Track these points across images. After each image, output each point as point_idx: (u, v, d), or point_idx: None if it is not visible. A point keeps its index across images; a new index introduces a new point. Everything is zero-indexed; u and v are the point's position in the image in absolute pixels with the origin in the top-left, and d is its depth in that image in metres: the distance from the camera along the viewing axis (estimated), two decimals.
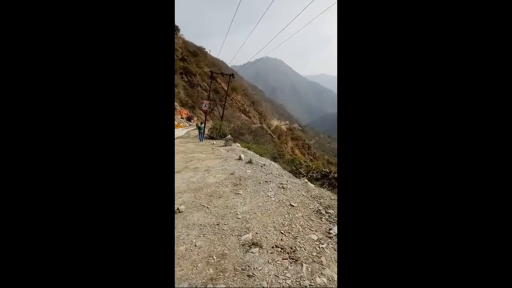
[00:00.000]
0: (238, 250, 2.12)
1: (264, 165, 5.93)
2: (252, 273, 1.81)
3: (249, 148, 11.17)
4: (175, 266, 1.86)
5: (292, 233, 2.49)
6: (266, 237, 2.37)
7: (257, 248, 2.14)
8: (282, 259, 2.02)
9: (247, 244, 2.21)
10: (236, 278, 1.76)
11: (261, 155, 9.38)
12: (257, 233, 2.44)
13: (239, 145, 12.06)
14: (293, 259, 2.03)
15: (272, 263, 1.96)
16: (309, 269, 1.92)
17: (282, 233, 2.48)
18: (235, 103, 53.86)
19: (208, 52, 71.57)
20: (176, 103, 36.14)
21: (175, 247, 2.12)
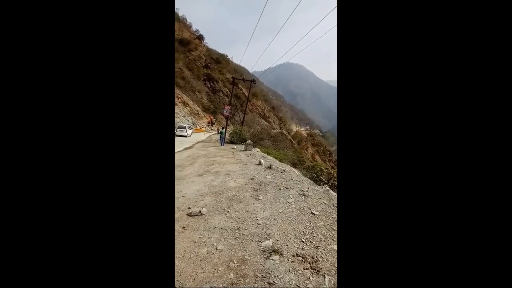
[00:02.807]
0: (258, 256, 2.11)
1: (284, 171, 5.88)
2: (273, 281, 1.78)
3: (268, 154, 11.16)
4: (197, 268, 1.90)
5: (314, 242, 2.42)
6: (287, 245, 2.33)
7: (278, 256, 2.11)
8: (304, 269, 1.97)
9: (268, 250, 2.19)
10: (256, 284, 1.74)
11: (280, 160, 9.31)
12: (277, 240, 2.41)
13: (259, 150, 12.12)
14: (315, 269, 1.97)
15: (293, 272, 1.92)
16: (332, 281, 1.85)
17: (303, 241, 2.42)
18: (255, 108, 54.43)
19: (231, 59, 73.66)
20: (198, 108, 37.51)
21: (197, 249, 2.17)
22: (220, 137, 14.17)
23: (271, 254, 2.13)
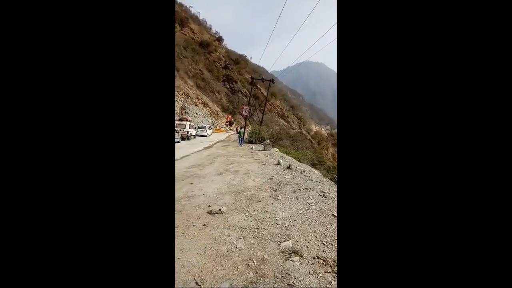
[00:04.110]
0: (277, 256, 2.09)
1: (303, 171, 5.78)
2: (293, 282, 1.75)
3: (287, 153, 11.06)
4: (217, 265, 1.93)
5: (335, 245, 2.34)
6: (307, 247, 2.28)
7: (298, 257, 2.07)
8: (325, 272, 1.92)
9: (287, 251, 2.16)
10: (276, 285, 1.73)
11: (300, 160, 9.18)
12: (297, 241, 2.37)
13: (278, 150, 12.06)
14: (337, 273, 1.91)
15: (313, 275, 1.87)
16: None
17: (324, 244, 2.36)
18: (274, 108, 54.26)
19: (249, 60, 74.17)
20: (218, 109, 38.30)
21: (217, 247, 2.21)
22: (239, 137, 14.38)
23: (290, 255, 2.10)
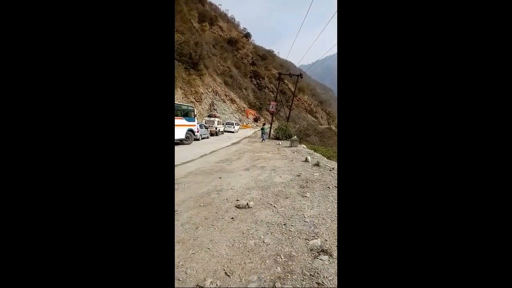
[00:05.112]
0: (306, 254, 2.06)
1: (333, 169, 5.57)
2: (322, 282, 1.71)
3: (315, 150, 10.77)
4: (246, 258, 1.97)
5: None
6: (337, 247, 2.20)
7: (327, 256, 2.02)
8: None
9: (316, 250, 2.12)
10: (304, 282, 1.71)
11: (328, 158, 8.86)
12: (326, 240, 2.30)
13: (305, 146, 11.81)
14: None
15: None
16: None
17: None
18: (301, 103, 53.07)
19: (277, 54, 73.32)
20: (245, 105, 38.74)
21: (245, 240, 2.25)
22: (262, 133, 14.79)
23: (319, 254, 2.05)
